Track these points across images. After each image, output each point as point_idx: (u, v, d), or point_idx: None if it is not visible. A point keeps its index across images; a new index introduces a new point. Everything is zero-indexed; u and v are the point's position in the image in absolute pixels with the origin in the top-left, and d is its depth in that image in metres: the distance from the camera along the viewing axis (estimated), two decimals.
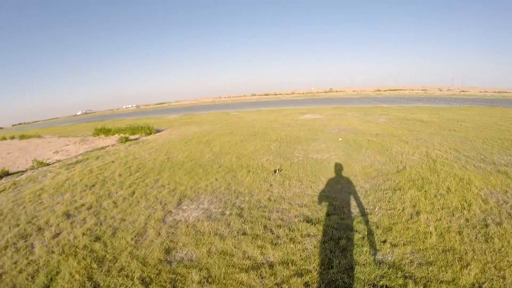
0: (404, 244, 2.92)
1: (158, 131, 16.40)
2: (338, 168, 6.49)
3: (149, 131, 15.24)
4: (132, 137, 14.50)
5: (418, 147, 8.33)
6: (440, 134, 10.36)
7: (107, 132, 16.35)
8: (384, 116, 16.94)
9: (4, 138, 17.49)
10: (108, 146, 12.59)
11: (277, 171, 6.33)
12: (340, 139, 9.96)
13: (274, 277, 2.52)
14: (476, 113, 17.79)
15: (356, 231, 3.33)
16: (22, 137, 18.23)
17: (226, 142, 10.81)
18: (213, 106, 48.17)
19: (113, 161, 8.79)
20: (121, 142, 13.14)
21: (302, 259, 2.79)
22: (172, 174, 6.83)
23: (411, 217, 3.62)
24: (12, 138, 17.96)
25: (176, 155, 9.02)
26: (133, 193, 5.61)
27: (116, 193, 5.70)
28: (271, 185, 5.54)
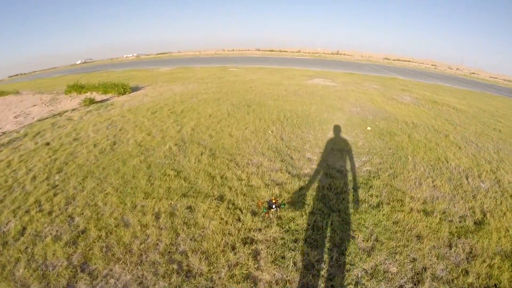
0: None
1: (135, 89, 13.73)
2: (390, 211, 3.73)
3: (123, 90, 12.73)
4: (101, 97, 12.24)
5: (476, 157, 5.69)
6: (487, 135, 7.53)
7: (79, 89, 14.21)
8: (408, 93, 13.72)
9: None
10: (67, 111, 10.51)
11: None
12: (368, 128, 7.13)
13: None
14: (505, 105, 14.39)
15: None
16: (1, 93, 16.51)
17: (207, 116, 8.10)
18: (213, 59, 43.19)
19: (48, 144, 6.49)
20: (84, 105, 11.07)
21: None
22: (99, 186, 4.58)
23: None
24: None
25: (128, 139, 6.55)
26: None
27: None
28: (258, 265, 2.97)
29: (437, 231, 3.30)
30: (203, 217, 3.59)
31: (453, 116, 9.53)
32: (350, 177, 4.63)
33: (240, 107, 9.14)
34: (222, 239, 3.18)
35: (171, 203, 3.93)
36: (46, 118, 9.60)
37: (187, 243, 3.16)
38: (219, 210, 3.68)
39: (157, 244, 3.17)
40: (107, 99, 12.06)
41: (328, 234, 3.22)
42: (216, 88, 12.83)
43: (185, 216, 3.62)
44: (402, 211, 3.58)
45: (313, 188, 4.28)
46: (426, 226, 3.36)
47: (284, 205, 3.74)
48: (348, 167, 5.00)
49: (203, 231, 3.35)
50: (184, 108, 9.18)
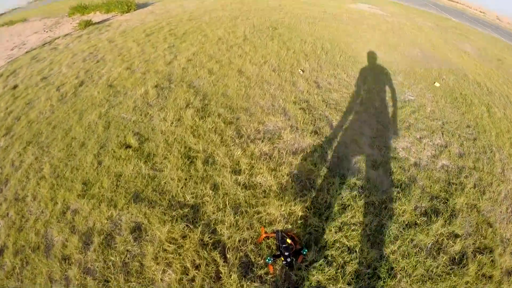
0: None
1: (143, 6, 11.23)
2: None
3: (127, 7, 10.53)
4: (102, 17, 10.25)
5: None
6: None
7: (82, 10, 12.29)
8: (468, 42, 9.81)
9: None
10: (59, 37, 8.88)
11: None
12: (437, 84, 4.69)
13: None
14: None
15: None
16: (10, 23, 15.60)
17: (215, 40, 5.64)
18: None
19: (15, 87, 5.29)
20: (79, 28, 9.27)
21: None
22: (38, 160, 3.26)
23: None
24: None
25: (101, 76, 4.83)
26: None
27: None
28: None
29: None
30: (154, 261, 1.77)
31: None
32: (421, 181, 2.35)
33: (263, 29, 6.23)
34: None
35: (112, 215, 2.15)
36: (35, 48, 8.04)
37: None
38: (186, 249, 1.80)
39: None
40: (107, 20, 9.92)
41: None
42: (237, 5, 9.45)
43: (128, 250, 1.86)
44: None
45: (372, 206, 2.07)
46: None
47: (306, 251, 1.67)
48: (420, 158, 2.69)
49: None
50: (188, 28, 6.63)
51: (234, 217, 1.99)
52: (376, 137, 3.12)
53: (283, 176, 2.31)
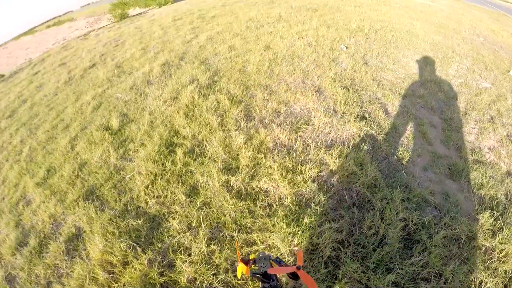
0: None
1: None
2: None
3: (164, 1, 11.00)
4: (139, 11, 10.85)
5: None
6: None
7: (122, 6, 13.37)
8: None
9: (48, 27, 17.65)
10: (94, 30, 9.52)
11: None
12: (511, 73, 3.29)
13: None
14: None
15: None
16: (58, 23, 18.07)
17: (245, 20, 5.17)
18: None
19: (36, 74, 5.57)
20: (115, 21, 9.94)
21: None
22: (23, 141, 3.17)
23: None
24: (48, 27, 17.73)
25: (113, 58, 4.73)
26: None
27: None
28: None
29: None
30: None
31: None
32: None
33: (301, 10, 5.47)
34: None
35: (56, 213, 1.66)
36: (69, 41, 8.63)
37: None
38: (122, 285, 1.14)
39: None
40: (143, 12, 10.35)
41: None
42: None
43: (56, 265, 1.48)
44: None
45: None
46: None
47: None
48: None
49: None
50: (219, 12, 6.25)
51: (209, 247, 1.24)
52: (450, 130, 2.11)
53: (305, 181, 1.50)
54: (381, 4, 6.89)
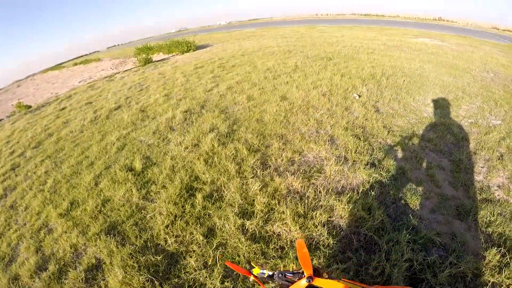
0: None
1: (202, 47, 12.76)
2: None
3: (187, 48, 12.19)
4: (163, 57, 11.96)
5: None
6: None
7: (147, 51, 14.86)
8: None
9: (75, 64, 19.51)
10: (120, 72, 10.48)
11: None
12: None
13: None
14: None
15: None
16: (85, 62, 19.92)
17: (263, 70, 5.70)
18: (305, 20, 37.86)
19: (63, 109, 6.24)
20: (140, 65, 10.94)
21: None
22: (47, 173, 3.44)
23: None
24: (75, 64, 19.65)
25: (138, 101, 5.30)
26: None
27: None
28: None
29: None
30: None
31: None
32: None
33: (316, 60, 6.10)
34: None
35: (77, 243, 1.89)
36: (95, 81, 9.53)
37: None
38: None
39: None
40: (167, 58, 11.43)
41: None
42: (294, 42, 9.87)
43: None
44: None
45: None
46: None
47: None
48: None
49: None
50: (239, 62, 6.95)
51: (223, 283, 1.39)
52: (459, 172, 2.26)
53: (315, 226, 1.67)
54: (393, 49, 7.52)
